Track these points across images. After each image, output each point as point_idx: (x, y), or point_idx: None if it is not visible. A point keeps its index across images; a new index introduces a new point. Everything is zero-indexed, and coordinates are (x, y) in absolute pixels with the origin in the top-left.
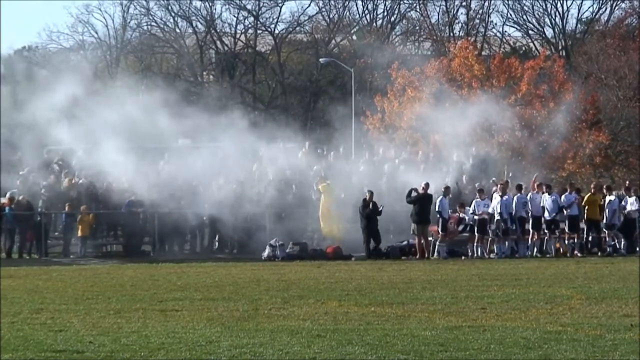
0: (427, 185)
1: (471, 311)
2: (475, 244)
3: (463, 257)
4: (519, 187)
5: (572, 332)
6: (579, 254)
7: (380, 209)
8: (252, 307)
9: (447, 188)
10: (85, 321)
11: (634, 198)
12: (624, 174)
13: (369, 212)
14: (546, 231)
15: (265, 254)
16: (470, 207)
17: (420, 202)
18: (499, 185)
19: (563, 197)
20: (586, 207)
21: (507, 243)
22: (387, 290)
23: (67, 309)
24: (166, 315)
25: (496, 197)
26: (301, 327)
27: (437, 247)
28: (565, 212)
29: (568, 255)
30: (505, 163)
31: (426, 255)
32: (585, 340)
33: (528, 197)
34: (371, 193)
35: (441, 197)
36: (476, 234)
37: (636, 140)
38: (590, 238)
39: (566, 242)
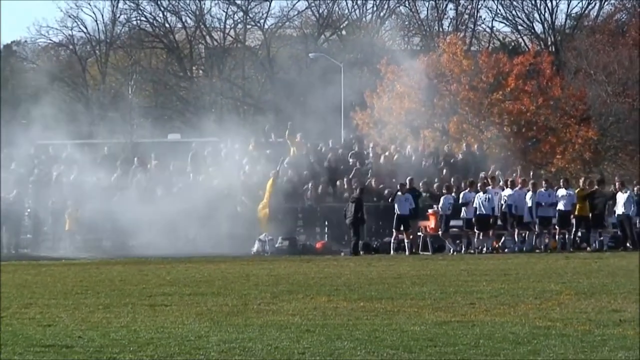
0: (411, 180)
1: (460, 306)
2: (448, 240)
3: (455, 253)
4: (507, 183)
5: (561, 327)
6: (570, 250)
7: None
8: (242, 302)
9: (402, 185)
10: (74, 316)
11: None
12: (614, 169)
13: (358, 209)
14: (557, 227)
15: (255, 249)
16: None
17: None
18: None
19: (559, 192)
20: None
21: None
22: (376, 286)
23: (56, 304)
24: (155, 310)
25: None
26: (290, 322)
27: (397, 243)
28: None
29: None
30: (494, 158)
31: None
32: (574, 335)
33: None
34: (361, 189)
35: (397, 192)
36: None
37: (625, 136)
38: (579, 234)
39: (556, 237)
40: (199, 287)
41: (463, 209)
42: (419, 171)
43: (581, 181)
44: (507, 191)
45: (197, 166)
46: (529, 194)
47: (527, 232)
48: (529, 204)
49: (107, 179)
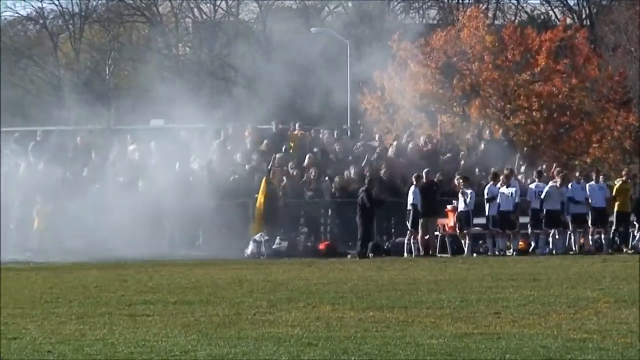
0: (427, 173)
1: (483, 316)
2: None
3: (474, 254)
4: (539, 174)
5: (599, 340)
6: (608, 251)
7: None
8: (234, 311)
9: (417, 177)
10: (43, 327)
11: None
12: None
13: (369, 203)
14: (591, 226)
15: (249, 250)
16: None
17: (423, 192)
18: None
19: (587, 186)
20: (615, 198)
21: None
22: (388, 293)
23: (23, 314)
24: (135, 320)
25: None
26: (289, 335)
27: (413, 244)
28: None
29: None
30: (521, 147)
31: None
32: (613, 349)
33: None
34: (370, 182)
35: (412, 186)
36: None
37: None
38: (618, 233)
39: (590, 237)
40: (185, 295)
41: (487, 205)
42: (435, 162)
43: (624, 172)
44: (536, 184)
45: (184, 155)
46: (561, 188)
47: (559, 232)
48: (562, 199)
49: (81, 171)
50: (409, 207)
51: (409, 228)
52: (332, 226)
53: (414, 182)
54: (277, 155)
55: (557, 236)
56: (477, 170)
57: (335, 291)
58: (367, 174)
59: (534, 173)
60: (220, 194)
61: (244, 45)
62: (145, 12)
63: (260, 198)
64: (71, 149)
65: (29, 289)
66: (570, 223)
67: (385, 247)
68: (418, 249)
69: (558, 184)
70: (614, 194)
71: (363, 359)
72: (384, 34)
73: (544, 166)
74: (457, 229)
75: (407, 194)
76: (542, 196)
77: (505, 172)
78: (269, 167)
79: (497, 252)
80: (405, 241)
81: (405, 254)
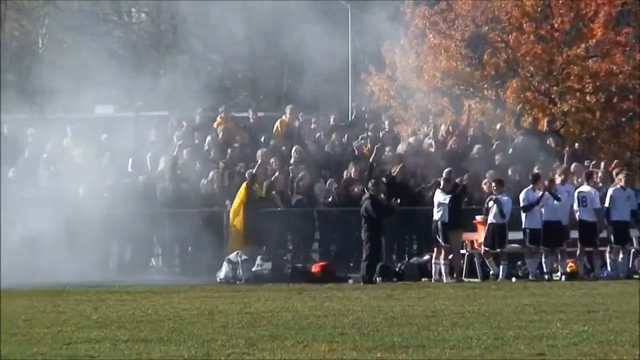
0: (449, 172)
1: (523, 358)
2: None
3: (513, 279)
4: (589, 176)
5: None
6: None
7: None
8: (203, 351)
9: (446, 180)
10: None
11: None
12: None
13: (376, 213)
14: None
15: (222, 274)
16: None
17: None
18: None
19: None
20: None
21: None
22: (400, 328)
23: None
24: None
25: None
26: None
27: (435, 265)
28: None
29: None
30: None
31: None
32: None
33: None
34: (376, 185)
35: (438, 190)
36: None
37: None
38: None
39: None
40: (140, 331)
41: (523, 215)
42: (460, 159)
43: None
44: (586, 187)
45: (138, 152)
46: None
47: (623, 250)
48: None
49: (7, 171)
50: (437, 216)
51: (442, 244)
52: (328, 242)
53: (440, 185)
54: (262, 151)
55: (620, 255)
56: (509, 171)
57: (332, 326)
58: (372, 174)
59: (583, 175)
60: (185, 201)
61: (215, 11)
62: None
63: (237, 208)
64: None
65: None
66: (637, 238)
67: (397, 269)
68: (439, 271)
69: (623, 184)
70: None
71: None
72: None
73: (602, 165)
74: (486, 247)
75: (429, 200)
76: (607, 203)
77: (558, 172)
78: (253, 171)
79: (540, 276)
80: (434, 260)
81: (434, 277)
